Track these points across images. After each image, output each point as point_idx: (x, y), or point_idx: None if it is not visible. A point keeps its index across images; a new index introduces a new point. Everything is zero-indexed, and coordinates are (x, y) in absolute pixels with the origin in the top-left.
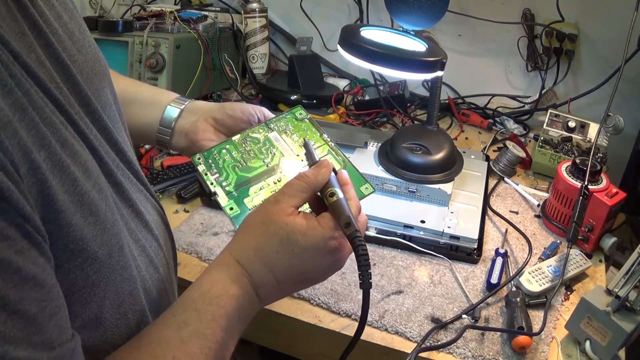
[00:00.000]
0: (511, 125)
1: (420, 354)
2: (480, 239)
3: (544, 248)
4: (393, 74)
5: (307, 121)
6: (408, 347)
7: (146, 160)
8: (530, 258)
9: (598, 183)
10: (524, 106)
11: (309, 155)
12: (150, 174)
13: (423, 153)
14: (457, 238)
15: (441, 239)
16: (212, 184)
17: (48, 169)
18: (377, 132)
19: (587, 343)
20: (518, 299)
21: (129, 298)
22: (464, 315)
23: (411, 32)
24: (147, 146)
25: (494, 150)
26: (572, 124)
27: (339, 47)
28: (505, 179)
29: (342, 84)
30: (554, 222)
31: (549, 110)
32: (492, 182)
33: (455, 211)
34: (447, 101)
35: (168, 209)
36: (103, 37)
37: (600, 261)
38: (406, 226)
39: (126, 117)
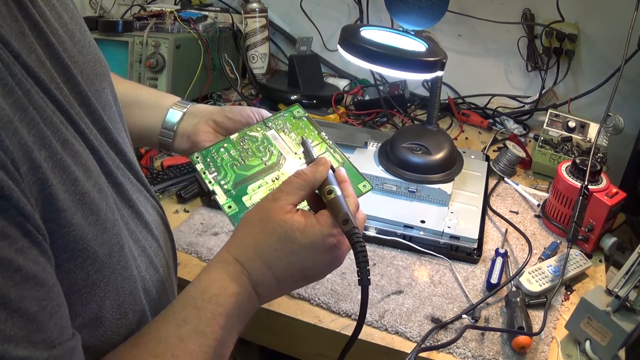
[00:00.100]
0: (511, 125)
1: (420, 354)
2: (480, 239)
3: (544, 248)
4: (393, 74)
5: (305, 119)
6: (408, 347)
7: (146, 160)
8: (530, 258)
9: (598, 183)
10: (524, 106)
11: (307, 153)
12: (150, 174)
13: (423, 153)
14: (457, 238)
15: (441, 239)
16: (210, 182)
17: (49, 169)
18: (377, 132)
19: (587, 343)
20: (518, 299)
21: (129, 298)
22: (464, 315)
23: (411, 32)
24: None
25: (494, 150)
26: (572, 124)
27: (339, 47)
28: (505, 179)
29: (342, 84)
30: (554, 222)
31: (549, 110)
32: (492, 182)
33: (455, 211)
34: (447, 101)
35: (168, 209)
36: (103, 37)
37: (600, 261)
38: (406, 226)
39: (128, 120)
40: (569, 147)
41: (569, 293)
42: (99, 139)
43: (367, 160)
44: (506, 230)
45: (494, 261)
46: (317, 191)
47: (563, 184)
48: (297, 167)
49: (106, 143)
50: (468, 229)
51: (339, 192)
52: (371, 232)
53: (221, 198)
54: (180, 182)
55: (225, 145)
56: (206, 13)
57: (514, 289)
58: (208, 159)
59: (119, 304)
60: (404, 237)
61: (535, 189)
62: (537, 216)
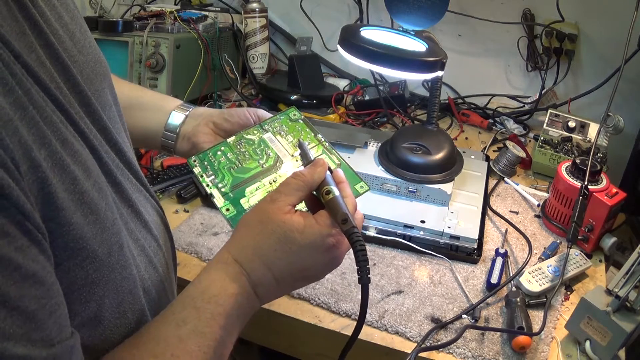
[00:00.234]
0: (511, 125)
1: (420, 354)
2: (480, 239)
3: (544, 248)
4: (393, 74)
5: (301, 122)
6: (408, 347)
7: (146, 160)
8: (530, 258)
9: (598, 183)
10: (524, 106)
11: (304, 155)
12: (150, 174)
13: (423, 153)
14: (457, 238)
15: (441, 239)
16: (208, 185)
17: (48, 167)
18: (377, 132)
19: (587, 343)
20: (518, 299)
21: (129, 297)
22: (464, 315)
23: (411, 32)
24: None
25: (494, 150)
26: (572, 124)
27: (339, 47)
28: (505, 179)
29: (342, 84)
30: (554, 222)
31: (549, 110)
32: (492, 182)
33: (455, 211)
34: (447, 101)
35: (168, 209)
36: (103, 37)
37: (600, 261)
38: (406, 226)
39: (130, 122)
40: (569, 147)
41: (569, 293)
42: (99, 138)
43: (367, 160)
44: (506, 230)
45: (494, 261)
46: (314, 192)
47: (563, 184)
48: (294, 169)
49: (106, 143)
50: (468, 229)
51: (337, 193)
52: (371, 232)
53: (219, 201)
54: (180, 182)
55: (222, 148)
56: (206, 13)
57: (514, 289)
58: (205, 162)
59: (118, 303)
60: (404, 237)
61: (535, 189)
62: (537, 216)
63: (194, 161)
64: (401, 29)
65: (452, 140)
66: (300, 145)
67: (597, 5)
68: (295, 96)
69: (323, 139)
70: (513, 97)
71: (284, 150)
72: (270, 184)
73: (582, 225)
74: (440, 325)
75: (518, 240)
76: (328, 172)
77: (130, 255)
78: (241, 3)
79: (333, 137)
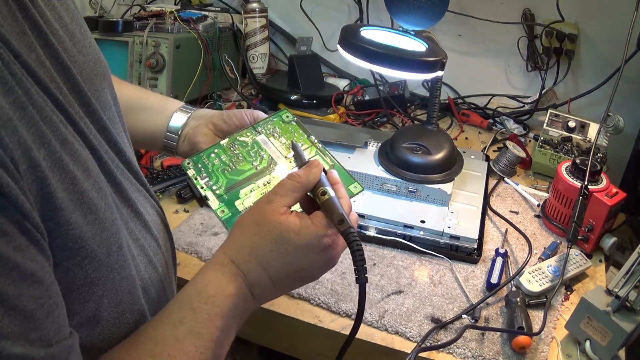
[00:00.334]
0: (511, 125)
1: (420, 354)
2: (480, 239)
3: (544, 248)
4: (393, 74)
5: (294, 123)
6: (408, 347)
7: (146, 160)
8: (530, 258)
9: (598, 183)
10: (524, 106)
11: (298, 156)
12: (150, 174)
13: (423, 153)
14: (457, 238)
15: (441, 239)
16: (202, 188)
17: (48, 167)
18: (377, 132)
19: (587, 343)
20: (518, 299)
21: (128, 297)
22: (464, 315)
23: (411, 32)
24: None
25: (494, 150)
26: (572, 124)
27: (339, 47)
28: (505, 179)
29: (342, 84)
30: (554, 222)
31: (549, 110)
32: (492, 182)
33: (455, 211)
34: (447, 101)
35: (168, 209)
36: (103, 37)
37: (600, 261)
38: (406, 226)
39: (132, 124)
40: (569, 147)
41: (569, 293)
42: (98, 138)
43: (367, 160)
44: (506, 230)
45: (494, 261)
46: (309, 193)
47: (563, 184)
48: (288, 171)
49: (105, 143)
50: (468, 229)
51: (332, 193)
52: (371, 232)
53: (214, 203)
54: (180, 182)
55: (216, 150)
56: (206, 13)
57: (514, 289)
58: (199, 165)
59: (117, 303)
60: (404, 237)
61: (535, 189)
62: (537, 216)
63: (188, 164)
64: (401, 29)
65: (452, 140)
66: (294, 147)
67: (597, 5)
68: (295, 96)
69: (316, 140)
70: (513, 97)
71: (277, 152)
72: (265, 185)
73: (582, 225)
74: (440, 325)
75: (518, 240)
76: (323, 173)
77: (129, 255)
78: (241, 3)
79: (333, 137)
